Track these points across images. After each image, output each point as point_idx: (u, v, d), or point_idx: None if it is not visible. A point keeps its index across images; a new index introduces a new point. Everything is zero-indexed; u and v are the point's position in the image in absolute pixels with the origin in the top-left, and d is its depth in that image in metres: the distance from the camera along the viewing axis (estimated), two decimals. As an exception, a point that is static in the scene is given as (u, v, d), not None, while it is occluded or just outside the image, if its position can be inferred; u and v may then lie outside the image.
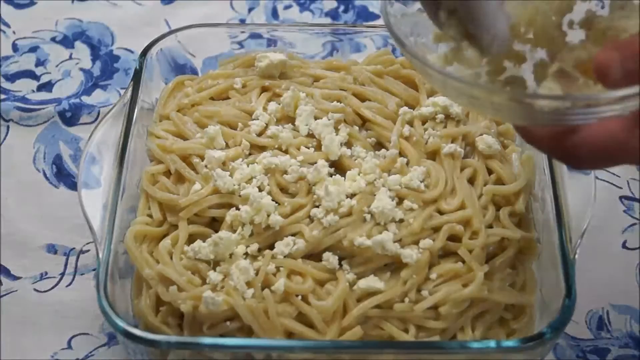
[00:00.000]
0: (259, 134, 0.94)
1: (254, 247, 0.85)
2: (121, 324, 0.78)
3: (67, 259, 0.98)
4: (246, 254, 0.85)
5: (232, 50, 1.08)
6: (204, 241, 0.85)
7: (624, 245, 0.99)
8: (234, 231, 0.86)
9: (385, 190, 0.87)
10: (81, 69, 1.18)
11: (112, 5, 1.27)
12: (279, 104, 0.96)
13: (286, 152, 0.92)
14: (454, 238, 0.86)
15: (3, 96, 1.13)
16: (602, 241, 0.99)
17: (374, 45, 1.11)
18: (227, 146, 0.93)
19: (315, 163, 0.89)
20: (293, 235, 0.86)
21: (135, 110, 0.93)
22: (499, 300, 0.84)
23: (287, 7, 1.27)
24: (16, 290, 0.95)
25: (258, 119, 0.95)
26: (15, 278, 0.96)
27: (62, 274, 0.97)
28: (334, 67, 1.03)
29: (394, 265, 0.84)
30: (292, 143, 0.92)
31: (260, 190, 0.88)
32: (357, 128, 0.95)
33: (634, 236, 1.00)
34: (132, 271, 0.87)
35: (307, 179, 0.89)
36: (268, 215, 0.86)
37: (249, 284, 0.82)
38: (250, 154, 0.93)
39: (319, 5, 1.27)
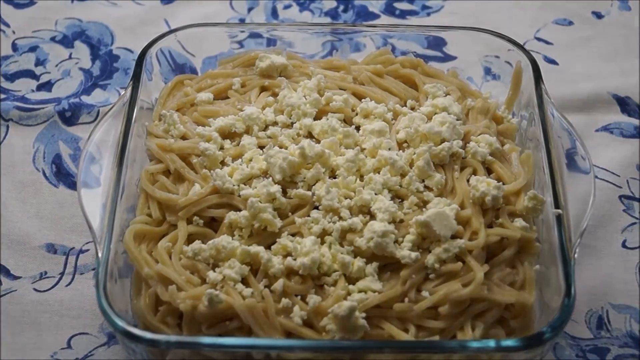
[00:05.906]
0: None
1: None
2: (120, 323, 0.78)
3: (66, 259, 0.98)
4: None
5: (232, 50, 1.08)
6: (203, 242, 0.85)
7: (623, 245, 0.99)
8: (233, 232, 0.86)
9: (386, 191, 0.88)
10: (81, 69, 1.18)
11: (112, 5, 1.27)
12: (276, 102, 0.97)
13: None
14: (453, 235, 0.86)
15: (3, 96, 1.13)
16: (602, 241, 0.99)
17: (373, 45, 1.11)
18: (224, 147, 0.93)
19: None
20: (292, 235, 0.86)
21: (135, 109, 0.93)
22: (499, 300, 0.84)
23: (286, 7, 1.27)
24: (16, 290, 0.95)
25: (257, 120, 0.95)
26: (15, 278, 0.96)
27: (62, 274, 0.97)
28: (333, 66, 1.03)
29: (393, 266, 0.84)
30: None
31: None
32: (354, 127, 0.95)
33: (634, 235, 1.00)
34: (132, 270, 0.87)
35: (307, 179, 0.89)
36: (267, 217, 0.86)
37: (247, 284, 0.82)
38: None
39: (318, 5, 1.27)
